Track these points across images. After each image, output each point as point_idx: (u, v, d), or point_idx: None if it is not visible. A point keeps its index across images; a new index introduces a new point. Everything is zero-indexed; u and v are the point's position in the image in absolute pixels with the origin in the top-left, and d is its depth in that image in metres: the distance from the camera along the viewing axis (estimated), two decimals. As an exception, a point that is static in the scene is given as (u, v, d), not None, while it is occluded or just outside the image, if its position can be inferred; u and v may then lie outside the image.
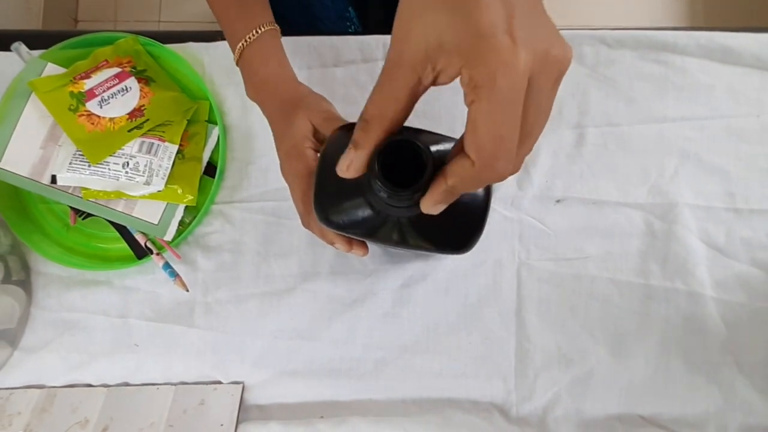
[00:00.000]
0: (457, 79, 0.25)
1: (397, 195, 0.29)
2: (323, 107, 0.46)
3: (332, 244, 0.43)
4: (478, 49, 0.22)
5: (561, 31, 0.57)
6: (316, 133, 0.45)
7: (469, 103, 0.23)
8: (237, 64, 0.50)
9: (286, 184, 0.46)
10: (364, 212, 0.36)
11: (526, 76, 0.23)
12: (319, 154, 0.43)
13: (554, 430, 0.51)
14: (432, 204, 0.28)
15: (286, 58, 0.50)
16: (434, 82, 0.25)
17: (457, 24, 0.23)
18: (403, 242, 0.36)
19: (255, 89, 0.49)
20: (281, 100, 0.47)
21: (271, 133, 0.48)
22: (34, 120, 0.54)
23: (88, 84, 0.54)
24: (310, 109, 0.45)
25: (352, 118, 0.65)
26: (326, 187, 0.37)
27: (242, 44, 0.48)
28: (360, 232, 0.38)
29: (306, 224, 0.44)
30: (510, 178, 0.55)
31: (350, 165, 0.28)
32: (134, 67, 0.56)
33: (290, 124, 0.45)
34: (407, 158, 0.29)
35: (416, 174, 0.28)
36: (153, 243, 0.55)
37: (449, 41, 0.23)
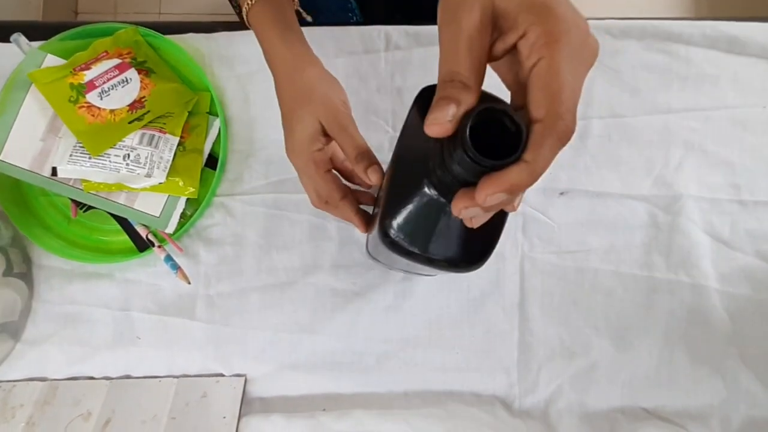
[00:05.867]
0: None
1: (483, 167, 0.24)
2: (333, 103, 0.43)
3: (350, 220, 0.45)
4: (549, 8, 0.24)
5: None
6: (325, 131, 0.43)
7: (537, 62, 0.24)
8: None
9: (288, 177, 0.45)
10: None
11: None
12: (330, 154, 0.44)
13: (557, 422, 0.51)
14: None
15: (293, 26, 0.46)
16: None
17: None
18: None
19: (267, 60, 0.46)
20: (289, 85, 0.45)
21: (272, 125, 0.47)
22: (34, 112, 0.54)
23: (88, 75, 0.53)
24: (320, 106, 0.43)
25: (353, 108, 0.64)
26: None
27: (247, 4, 0.45)
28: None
29: (318, 206, 0.45)
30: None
31: (449, 120, 0.24)
32: (134, 59, 0.55)
33: (298, 119, 0.44)
34: (483, 132, 0.24)
35: (498, 150, 0.24)
36: (154, 235, 0.55)
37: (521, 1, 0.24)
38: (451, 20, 0.25)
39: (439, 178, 0.28)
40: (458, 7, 0.25)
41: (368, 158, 0.41)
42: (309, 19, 0.59)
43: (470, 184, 0.25)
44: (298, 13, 0.54)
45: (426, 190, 0.31)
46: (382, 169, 0.41)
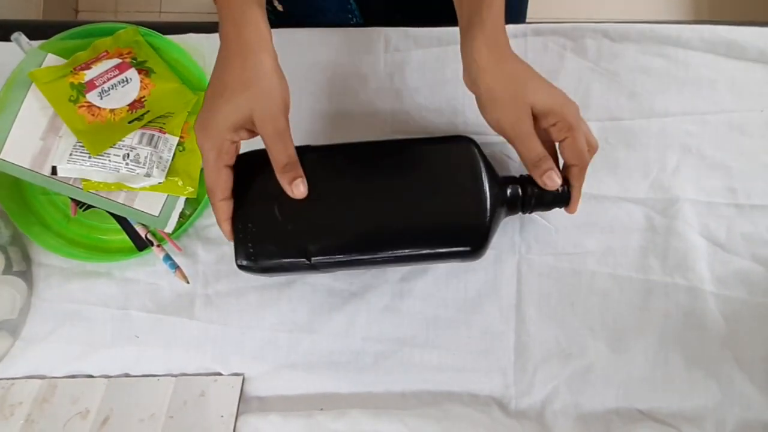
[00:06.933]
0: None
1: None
2: (276, 101, 0.40)
3: (220, 225, 0.44)
4: (563, 108, 0.42)
5: (564, 24, 0.59)
6: (251, 126, 0.41)
7: (564, 138, 0.42)
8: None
9: None
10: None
11: None
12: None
13: (552, 423, 0.51)
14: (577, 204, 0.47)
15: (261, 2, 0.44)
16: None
17: (554, 95, 0.43)
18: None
19: (221, 32, 0.43)
20: (239, 63, 0.41)
21: None
22: (34, 111, 0.54)
23: (88, 75, 0.54)
24: (261, 98, 0.40)
25: (352, 109, 0.64)
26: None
27: None
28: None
29: (209, 196, 0.43)
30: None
31: (560, 182, 0.44)
32: (134, 58, 0.56)
33: (229, 100, 0.40)
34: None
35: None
36: (153, 235, 0.55)
37: (554, 105, 0.42)
38: (522, 123, 0.42)
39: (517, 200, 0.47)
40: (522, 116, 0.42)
41: (295, 169, 0.40)
42: (280, 8, 0.58)
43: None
44: (269, 1, 0.51)
45: None
46: (306, 183, 0.40)
